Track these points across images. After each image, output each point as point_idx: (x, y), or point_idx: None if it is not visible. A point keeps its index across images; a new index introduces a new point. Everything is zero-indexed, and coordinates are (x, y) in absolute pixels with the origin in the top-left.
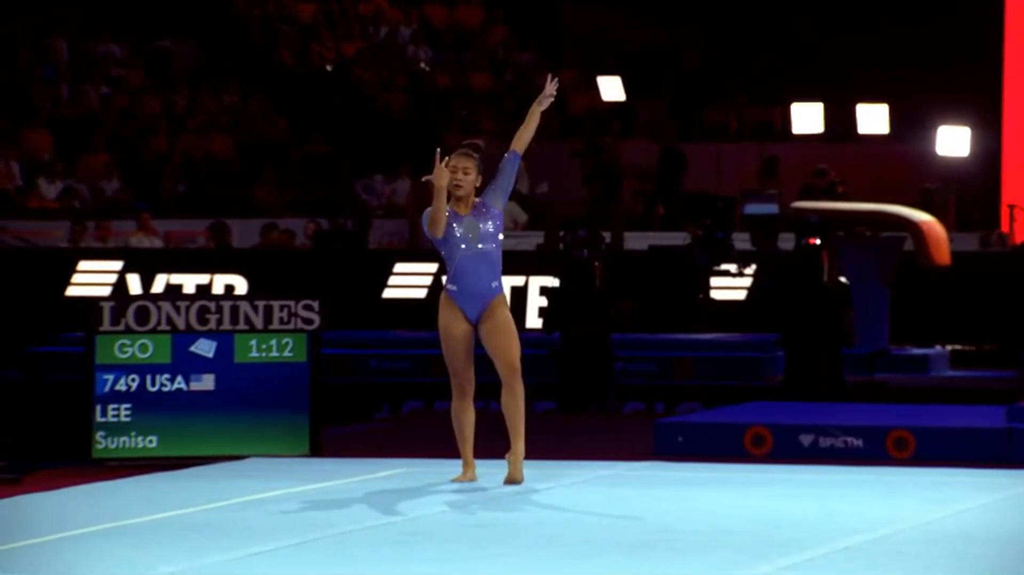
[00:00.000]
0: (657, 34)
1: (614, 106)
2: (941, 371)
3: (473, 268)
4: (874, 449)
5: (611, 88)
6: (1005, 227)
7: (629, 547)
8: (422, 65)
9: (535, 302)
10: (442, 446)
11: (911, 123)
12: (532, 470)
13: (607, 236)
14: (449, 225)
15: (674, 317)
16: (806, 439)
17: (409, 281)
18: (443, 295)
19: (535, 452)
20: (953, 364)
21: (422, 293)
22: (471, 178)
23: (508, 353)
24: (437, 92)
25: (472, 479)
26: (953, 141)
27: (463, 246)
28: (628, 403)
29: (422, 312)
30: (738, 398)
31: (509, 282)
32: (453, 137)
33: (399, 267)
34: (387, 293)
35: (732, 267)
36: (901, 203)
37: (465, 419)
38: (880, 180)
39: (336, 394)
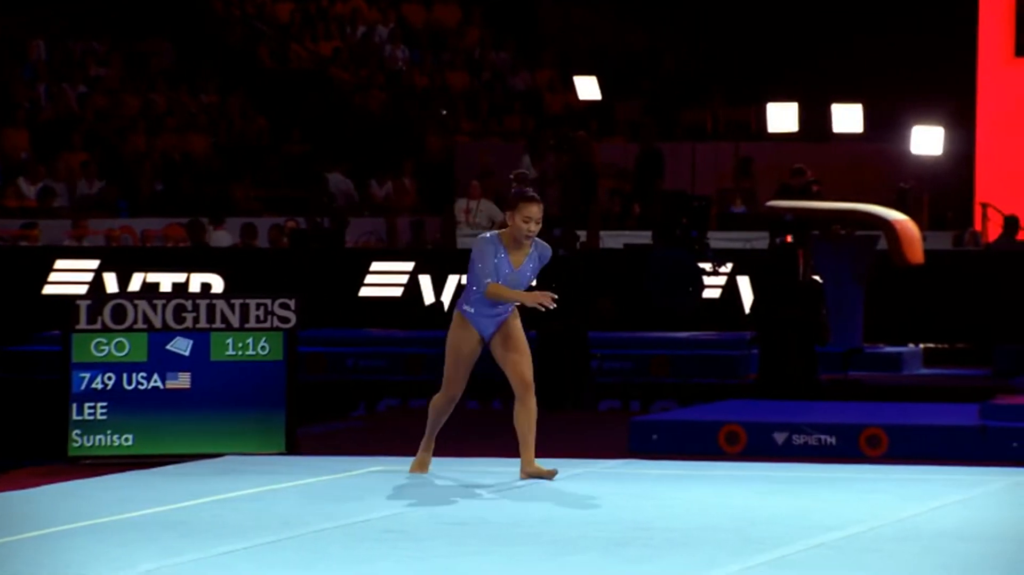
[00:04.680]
0: (634, 35)
1: (591, 105)
2: (914, 369)
3: (496, 303)
4: (847, 447)
5: (588, 88)
6: (978, 226)
7: (606, 545)
8: (399, 65)
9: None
10: (417, 444)
11: (885, 123)
12: (509, 467)
13: (583, 235)
14: (500, 271)
15: (656, 316)
16: (780, 437)
17: (385, 280)
18: (458, 315)
19: (511, 450)
20: (926, 362)
21: (398, 291)
22: (539, 227)
23: (521, 370)
24: (415, 91)
25: (424, 469)
26: (927, 140)
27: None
28: (604, 401)
29: (398, 310)
30: (713, 396)
31: None
32: (432, 137)
33: (376, 266)
34: (363, 291)
35: (707, 266)
36: (875, 202)
37: (442, 414)
38: (854, 179)
39: (312, 392)
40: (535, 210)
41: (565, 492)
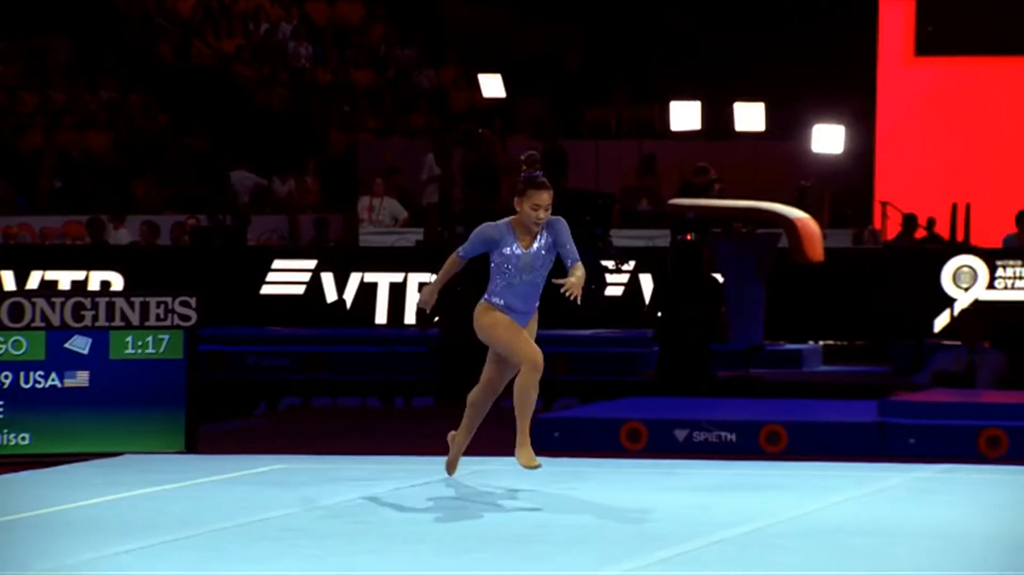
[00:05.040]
0: (538, 33)
1: (495, 103)
2: (814, 366)
3: (523, 295)
4: (748, 443)
5: (492, 86)
6: (878, 224)
7: (505, 542)
8: (303, 62)
9: (414, 299)
10: (319, 443)
11: (787, 121)
12: (411, 466)
13: None
14: (511, 256)
15: (558, 314)
16: (681, 434)
17: (287, 278)
18: (485, 304)
19: (416, 448)
20: (826, 359)
21: (300, 290)
22: (548, 214)
23: (536, 351)
24: (318, 88)
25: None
26: (828, 139)
27: (523, 276)
28: (507, 399)
29: (300, 309)
30: (615, 393)
31: (388, 279)
32: (336, 134)
33: (278, 264)
34: (265, 290)
35: (610, 264)
36: (777, 200)
37: (532, 398)
38: (756, 177)
39: (213, 391)
40: (545, 197)
41: (466, 489)
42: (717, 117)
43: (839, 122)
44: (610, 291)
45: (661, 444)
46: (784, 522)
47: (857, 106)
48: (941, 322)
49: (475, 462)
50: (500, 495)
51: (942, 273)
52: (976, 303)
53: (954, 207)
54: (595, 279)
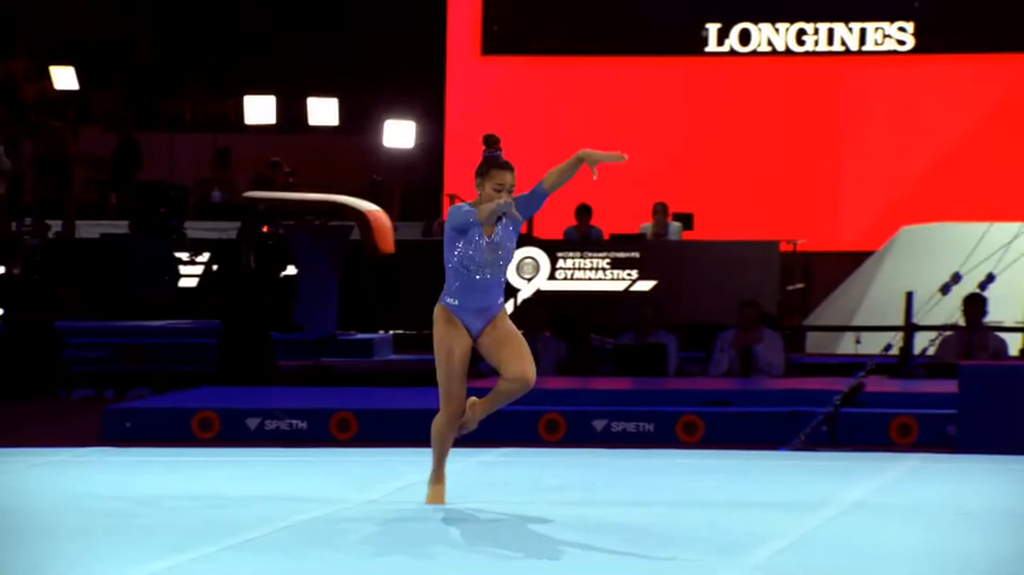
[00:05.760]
0: (110, 23)
1: (68, 95)
2: (385, 355)
3: (484, 288)
4: (319, 431)
5: (64, 77)
6: (445, 216)
7: (71, 533)
8: None
9: None
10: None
11: (360, 116)
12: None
13: (57, 225)
14: (471, 241)
15: (131, 306)
16: (253, 422)
17: None
18: (441, 308)
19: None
20: (396, 348)
21: None
22: (511, 196)
23: (524, 366)
24: None
25: (441, 501)
26: (399, 134)
27: (485, 270)
28: (78, 390)
29: None
30: (188, 384)
31: None
32: None
33: None
34: None
35: (184, 255)
36: (350, 193)
37: (447, 438)
38: (330, 171)
39: None
40: (508, 178)
41: (34, 481)
42: (291, 111)
43: (410, 118)
44: (184, 282)
45: (234, 433)
46: (350, 507)
47: (427, 102)
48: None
49: (43, 453)
50: (70, 486)
51: None
52: (538, 293)
53: None
54: (168, 271)
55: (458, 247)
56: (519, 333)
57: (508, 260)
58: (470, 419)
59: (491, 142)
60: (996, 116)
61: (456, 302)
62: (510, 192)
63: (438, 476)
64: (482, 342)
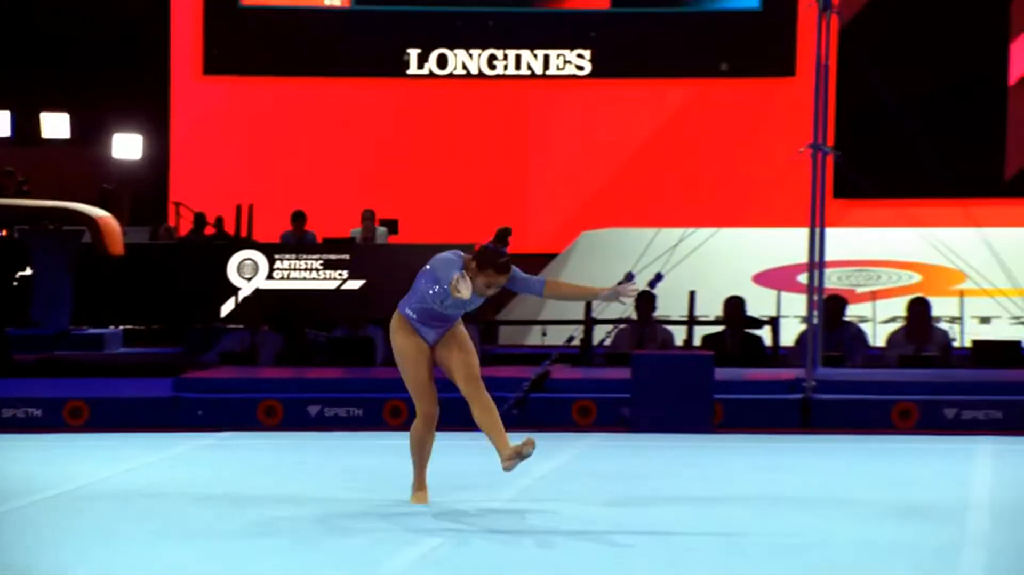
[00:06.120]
0: None
1: None
2: (115, 348)
3: (443, 318)
4: (53, 418)
5: None
6: (172, 221)
7: None
8: None
9: None
10: None
11: (91, 129)
12: None
13: None
14: (445, 291)
15: None
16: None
17: None
18: (399, 318)
19: None
20: (127, 342)
21: None
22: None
23: (470, 363)
24: None
25: (424, 501)
26: (127, 147)
27: (448, 310)
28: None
29: None
30: None
31: None
32: None
33: None
34: None
35: None
36: (81, 201)
37: (427, 446)
38: (63, 180)
39: None
40: (502, 281)
41: None
42: (25, 125)
43: (137, 131)
44: None
45: None
46: (84, 487)
47: (153, 117)
48: (227, 308)
49: None
50: None
51: (228, 265)
52: (257, 291)
53: (239, 208)
54: None
55: (433, 288)
56: (467, 336)
57: (473, 307)
58: (526, 449)
59: (502, 236)
60: (664, 134)
61: (415, 316)
62: (497, 290)
63: (420, 483)
64: (437, 349)
